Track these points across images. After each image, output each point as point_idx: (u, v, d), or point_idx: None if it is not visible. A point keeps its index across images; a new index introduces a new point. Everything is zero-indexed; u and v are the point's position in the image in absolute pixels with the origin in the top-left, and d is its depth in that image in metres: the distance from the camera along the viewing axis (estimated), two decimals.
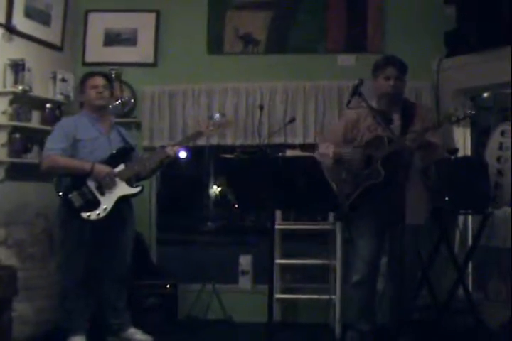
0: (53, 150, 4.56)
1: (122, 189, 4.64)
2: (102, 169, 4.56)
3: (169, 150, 4.71)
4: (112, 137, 4.79)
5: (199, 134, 4.86)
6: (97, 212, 4.50)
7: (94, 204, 4.52)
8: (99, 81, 4.75)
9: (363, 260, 4.48)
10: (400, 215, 4.21)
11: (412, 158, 4.34)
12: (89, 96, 4.73)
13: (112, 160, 4.65)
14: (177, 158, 4.85)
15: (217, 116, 4.92)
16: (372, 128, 4.46)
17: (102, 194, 4.56)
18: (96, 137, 4.69)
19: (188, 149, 5.59)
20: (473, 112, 4.04)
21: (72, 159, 4.57)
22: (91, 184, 4.55)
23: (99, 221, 4.51)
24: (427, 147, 4.28)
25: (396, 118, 4.44)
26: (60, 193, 4.53)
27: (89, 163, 4.55)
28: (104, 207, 4.53)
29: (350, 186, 4.42)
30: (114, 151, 4.70)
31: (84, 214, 4.48)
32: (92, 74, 4.81)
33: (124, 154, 4.76)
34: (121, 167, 4.66)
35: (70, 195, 4.49)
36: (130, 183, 4.68)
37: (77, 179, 4.53)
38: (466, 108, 4.02)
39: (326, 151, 4.51)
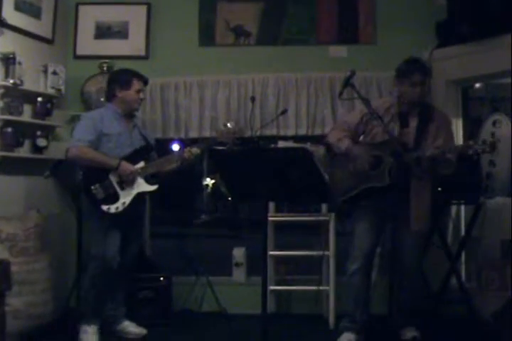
0: (81, 141, 4.62)
1: (141, 185, 4.71)
2: (128, 167, 4.63)
3: (186, 154, 4.76)
4: (134, 135, 4.85)
5: (215, 141, 4.89)
6: (116, 206, 4.59)
7: (114, 198, 4.60)
8: (143, 85, 4.86)
9: (361, 250, 4.52)
10: (403, 216, 4.27)
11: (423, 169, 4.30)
12: (132, 97, 4.78)
13: (134, 157, 4.72)
14: (195, 160, 4.87)
15: (231, 124, 4.95)
16: (386, 127, 4.43)
17: (122, 189, 4.64)
18: (120, 133, 4.75)
19: (180, 142, 5.60)
20: (488, 150, 4.03)
21: (101, 153, 4.64)
22: (113, 178, 4.62)
23: (117, 214, 4.57)
24: (442, 164, 4.28)
25: (412, 121, 4.43)
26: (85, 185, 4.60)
27: (116, 160, 4.62)
28: (123, 201, 4.61)
29: (351, 181, 4.43)
30: (138, 148, 4.78)
31: (104, 207, 4.56)
32: (140, 77, 4.85)
33: (145, 152, 4.82)
34: (141, 164, 4.72)
35: (92, 187, 4.56)
36: (147, 180, 4.74)
37: (99, 172, 4.60)
38: (484, 142, 4.02)
39: (339, 144, 4.50)
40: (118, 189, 4.63)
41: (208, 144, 4.88)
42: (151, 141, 4.99)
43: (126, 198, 4.63)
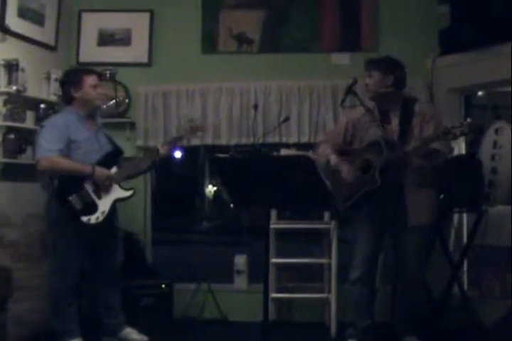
0: (52, 152, 4.42)
1: (117, 192, 4.61)
2: (103, 172, 4.52)
3: (154, 154, 4.75)
4: (100, 138, 4.70)
5: (181, 138, 4.88)
6: (96, 216, 4.46)
7: (93, 208, 4.47)
8: (97, 80, 4.69)
9: (362, 257, 4.52)
10: (402, 216, 4.28)
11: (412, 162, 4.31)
12: (89, 95, 4.61)
13: (105, 163, 4.59)
14: (166, 159, 4.85)
15: (194, 121, 4.97)
16: (367, 126, 4.46)
17: (99, 197, 4.52)
18: (88, 138, 4.60)
19: (183, 149, 5.60)
20: (467, 131, 4.03)
21: (73, 161, 4.48)
22: (88, 187, 4.49)
23: (98, 224, 4.47)
24: (429, 155, 4.27)
25: (394, 117, 4.44)
26: (59, 195, 4.44)
27: (89, 166, 4.49)
28: (102, 210, 4.50)
29: (349, 189, 4.42)
30: (108, 153, 4.65)
31: (85, 218, 4.42)
32: (89, 72, 4.70)
33: (114, 156, 4.71)
34: (114, 169, 4.62)
35: (70, 198, 4.41)
36: (121, 186, 4.67)
37: (75, 181, 4.46)
38: (463, 124, 4.03)
39: (326, 158, 4.53)
40: (95, 198, 4.50)
41: (174, 142, 4.84)
42: (117, 143, 4.86)
43: (105, 207, 4.51)
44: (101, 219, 4.48)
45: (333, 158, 4.49)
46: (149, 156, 4.79)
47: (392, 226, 4.46)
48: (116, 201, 4.61)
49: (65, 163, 4.46)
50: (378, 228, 4.49)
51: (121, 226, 4.90)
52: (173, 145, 4.86)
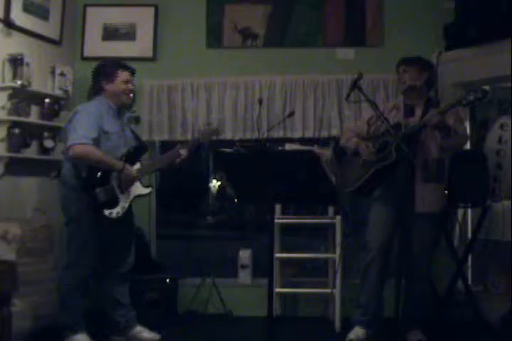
0: (87, 139, 4.35)
1: (138, 189, 4.61)
2: (131, 173, 4.51)
3: (176, 156, 4.72)
4: (126, 133, 4.70)
5: (198, 142, 4.86)
6: (118, 210, 4.46)
7: (114, 202, 4.46)
8: (130, 76, 4.67)
9: (375, 242, 4.57)
10: (410, 203, 4.29)
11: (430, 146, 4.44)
12: (120, 89, 4.59)
13: (131, 158, 4.59)
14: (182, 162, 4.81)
15: (211, 125, 5.07)
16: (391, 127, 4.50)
17: (122, 192, 4.51)
18: (117, 131, 4.59)
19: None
20: (480, 96, 4.14)
21: (107, 155, 4.43)
22: (113, 181, 4.47)
23: (117, 219, 4.47)
24: (444, 129, 4.32)
25: (418, 111, 4.56)
26: (87, 187, 4.41)
27: (121, 163, 4.47)
28: (123, 205, 4.50)
29: (362, 171, 4.48)
30: (134, 148, 4.65)
31: (107, 212, 4.41)
32: (124, 67, 4.68)
33: (140, 153, 4.70)
34: (138, 166, 4.61)
35: (96, 190, 4.38)
36: (141, 182, 4.66)
37: (103, 174, 4.42)
38: (477, 91, 4.12)
39: (348, 143, 4.69)
40: (118, 192, 4.49)
41: (191, 145, 4.81)
42: (142, 139, 4.84)
43: (125, 202, 4.52)
44: (121, 214, 4.48)
45: (355, 139, 4.64)
46: (169, 157, 4.75)
47: (401, 212, 4.45)
48: (136, 197, 4.62)
49: (99, 155, 4.40)
50: (390, 215, 4.50)
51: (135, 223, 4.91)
52: (191, 148, 4.81)
